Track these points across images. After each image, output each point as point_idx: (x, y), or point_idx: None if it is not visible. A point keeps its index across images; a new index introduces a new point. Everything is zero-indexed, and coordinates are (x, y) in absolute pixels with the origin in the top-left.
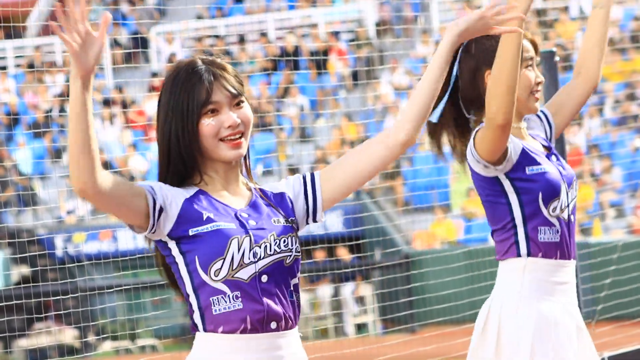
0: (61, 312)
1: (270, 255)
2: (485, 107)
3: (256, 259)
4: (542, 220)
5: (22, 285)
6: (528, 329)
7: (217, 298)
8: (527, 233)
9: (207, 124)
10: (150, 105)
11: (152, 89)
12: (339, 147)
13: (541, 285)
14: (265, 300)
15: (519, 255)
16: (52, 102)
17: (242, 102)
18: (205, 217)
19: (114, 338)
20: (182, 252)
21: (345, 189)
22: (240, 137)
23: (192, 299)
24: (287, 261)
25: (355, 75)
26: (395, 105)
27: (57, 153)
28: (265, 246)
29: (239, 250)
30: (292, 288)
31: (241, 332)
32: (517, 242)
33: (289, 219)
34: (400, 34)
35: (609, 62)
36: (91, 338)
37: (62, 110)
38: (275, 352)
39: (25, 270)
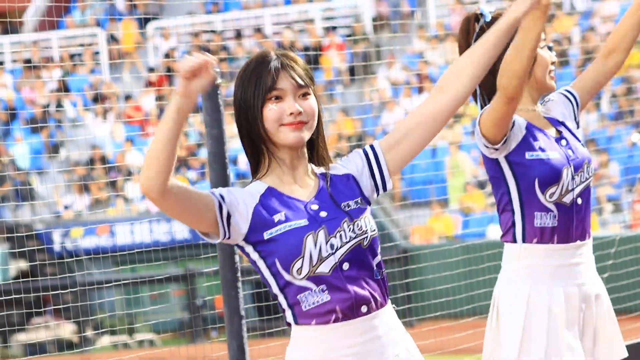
0: (59, 306)
1: (347, 242)
2: (497, 78)
3: (334, 250)
4: (538, 205)
5: (20, 280)
6: (520, 315)
7: (304, 295)
8: (523, 217)
9: (270, 109)
10: (146, 100)
11: (148, 84)
12: (335, 142)
13: (536, 270)
14: (351, 287)
15: (514, 240)
16: (50, 97)
17: (309, 94)
18: (277, 220)
19: (112, 333)
20: (261, 257)
21: (411, 150)
22: (302, 124)
23: (281, 299)
24: (365, 243)
25: (352, 71)
26: (392, 101)
27: (55, 148)
28: (340, 234)
29: (315, 245)
30: (375, 267)
31: (334, 322)
32: (514, 225)
33: (358, 200)
34: (397, 29)
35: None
36: (89, 332)
37: (59, 105)
38: (371, 334)
39: (23, 265)
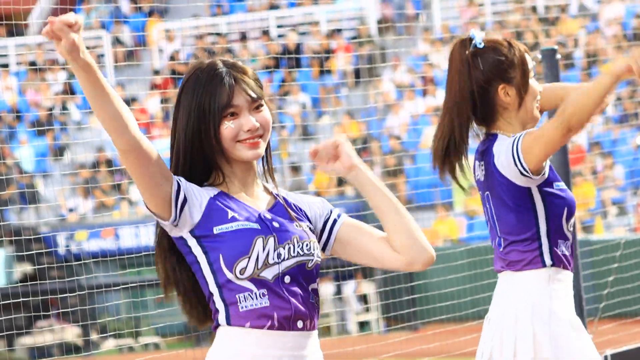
0: (64, 310)
1: (294, 257)
2: (562, 109)
3: (280, 260)
4: (562, 234)
5: (25, 283)
6: (566, 331)
7: (244, 295)
8: (550, 246)
9: (227, 127)
10: (151, 103)
11: (153, 86)
12: None
13: (564, 293)
14: (291, 299)
15: (543, 265)
16: (54, 99)
17: (262, 105)
18: (230, 216)
19: (117, 336)
20: (204, 251)
21: (348, 257)
22: (258, 139)
23: (216, 297)
24: (309, 265)
25: (357, 73)
26: (397, 104)
27: (60, 151)
28: (289, 248)
29: (263, 249)
30: (311, 291)
31: (268, 328)
32: (541, 254)
33: (310, 226)
34: (402, 31)
35: (612, 59)
36: (94, 336)
37: (64, 108)
38: (299, 351)
39: (28, 268)
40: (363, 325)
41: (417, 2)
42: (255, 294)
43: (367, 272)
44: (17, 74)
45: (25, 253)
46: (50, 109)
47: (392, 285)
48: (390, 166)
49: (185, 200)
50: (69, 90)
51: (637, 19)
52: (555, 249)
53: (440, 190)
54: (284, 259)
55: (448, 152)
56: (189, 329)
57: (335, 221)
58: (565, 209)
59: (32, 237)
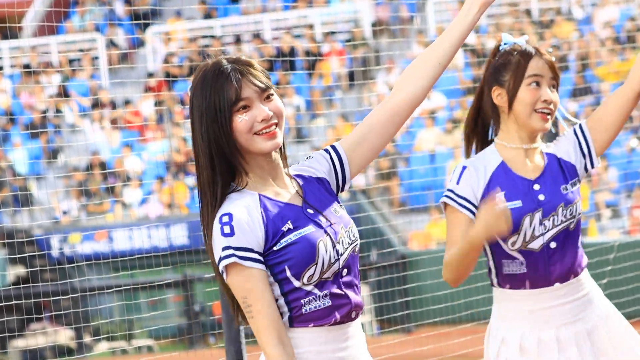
0: (57, 312)
1: (347, 248)
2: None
3: (339, 256)
4: (503, 254)
5: (18, 286)
6: (492, 355)
7: (308, 299)
8: (495, 264)
9: (241, 120)
10: (145, 106)
11: (147, 89)
12: None
13: (512, 314)
14: (348, 293)
15: (492, 284)
16: (48, 102)
17: (272, 94)
18: (286, 228)
19: (110, 339)
20: (268, 266)
21: (370, 154)
22: (274, 128)
23: (280, 303)
24: (356, 250)
25: (351, 76)
26: None
27: (53, 153)
28: (342, 241)
29: (326, 252)
30: (359, 273)
31: (330, 325)
32: (490, 270)
33: (341, 204)
34: (397, 34)
35: (606, 62)
36: (87, 339)
37: (58, 110)
38: (355, 340)
39: (21, 270)
40: None
41: (412, 4)
42: (319, 296)
43: (361, 275)
44: (11, 76)
45: (18, 256)
46: (44, 112)
47: (385, 287)
48: (384, 169)
49: (260, 261)
50: (63, 93)
51: (631, 21)
52: (500, 269)
53: (434, 192)
54: (341, 254)
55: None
56: (182, 332)
57: (336, 150)
58: None
59: (25, 239)
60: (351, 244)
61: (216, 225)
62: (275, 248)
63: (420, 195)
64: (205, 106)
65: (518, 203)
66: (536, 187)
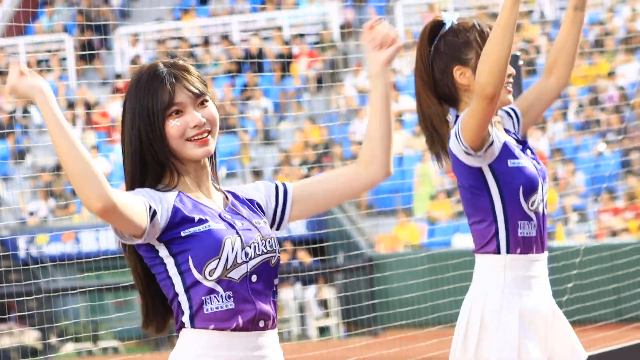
0: (23, 313)
1: (259, 255)
2: (475, 80)
3: (248, 259)
4: (522, 214)
5: None
6: (513, 326)
7: (210, 297)
8: (507, 227)
9: (173, 126)
10: (113, 107)
11: (115, 90)
12: (302, 150)
13: (522, 281)
14: (256, 300)
15: (498, 251)
16: (16, 103)
17: (207, 101)
18: (197, 218)
19: (76, 340)
20: (172, 254)
21: (312, 210)
22: (207, 135)
23: (182, 299)
24: (272, 262)
25: (319, 78)
26: (359, 109)
27: (21, 154)
28: (255, 246)
29: (232, 249)
30: (274, 289)
31: (232, 330)
32: (497, 236)
33: (266, 221)
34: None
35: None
36: (53, 340)
37: (25, 111)
38: (261, 351)
39: None
40: (323, 331)
41: (380, 7)
42: (222, 295)
43: (327, 277)
44: None
45: None
46: (12, 112)
47: (352, 290)
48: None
49: (154, 213)
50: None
51: (599, 25)
52: (515, 231)
53: (401, 195)
54: (251, 258)
55: (433, 140)
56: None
57: (285, 188)
58: (521, 186)
59: None
60: (266, 253)
61: None
62: (182, 234)
63: (388, 198)
64: (139, 108)
65: (530, 163)
66: (529, 152)
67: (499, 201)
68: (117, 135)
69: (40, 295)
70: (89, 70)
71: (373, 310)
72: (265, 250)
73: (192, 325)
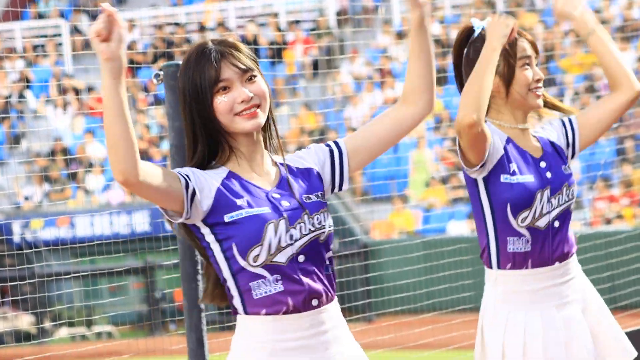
0: (18, 297)
1: (306, 235)
2: (456, 119)
3: (293, 241)
4: (510, 230)
5: None
6: (498, 341)
7: (258, 283)
8: (497, 242)
9: (220, 102)
10: None
11: None
12: (298, 136)
13: (513, 295)
14: (305, 279)
15: (490, 266)
16: (11, 88)
17: (255, 76)
18: (239, 203)
19: (70, 324)
20: (217, 240)
21: (367, 160)
22: (255, 109)
23: (231, 284)
24: (322, 238)
25: (315, 65)
26: (355, 96)
27: (16, 139)
28: (301, 226)
29: (275, 234)
30: (327, 262)
31: (284, 313)
32: (489, 250)
33: (319, 194)
34: (361, 23)
35: (570, 54)
36: (47, 324)
37: (21, 96)
38: (317, 328)
39: None
40: None
41: None
42: (269, 280)
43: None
44: None
45: None
46: (7, 97)
47: (347, 276)
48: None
49: (194, 193)
50: (26, 78)
51: (595, 13)
52: (505, 247)
53: (397, 182)
54: (296, 240)
55: None
56: (143, 318)
57: (339, 148)
58: (508, 203)
59: None
60: (314, 231)
61: None
62: (225, 220)
63: (383, 184)
64: (188, 86)
65: (531, 177)
66: (542, 164)
67: (489, 215)
68: None
69: (34, 280)
70: (85, 55)
71: (368, 296)
72: (312, 229)
73: (245, 312)
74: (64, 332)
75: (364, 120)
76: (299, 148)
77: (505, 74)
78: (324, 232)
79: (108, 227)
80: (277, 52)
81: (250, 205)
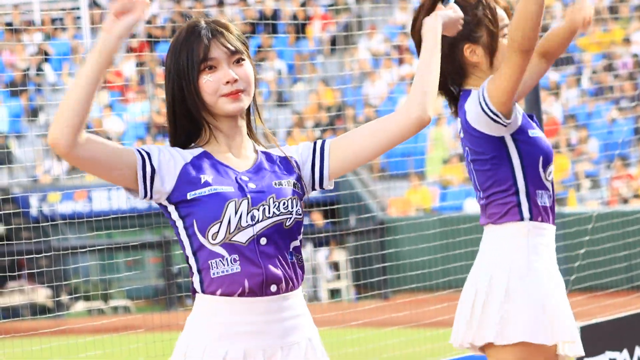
0: (34, 271)
1: (269, 217)
2: (509, 40)
3: (254, 222)
4: (540, 184)
5: None
6: (538, 287)
7: (216, 261)
8: (529, 196)
9: (206, 81)
10: (127, 67)
11: (129, 50)
12: (315, 112)
13: (542, 248)
14: (264, 263)
15: (521, 219)
16: (30, 60)
17: (243, 60)
18: (203, 181)
19: (87, 298)
20: (181, 216)
21: (353, 163)
22: (240, 93)
23: (192, 262)
24: (287, 224)
25: (333, 41)
26: (372, 72)
27: (34, 112)
28: (264, 209)
29: (236, 213)
30: (292, 250)
31: (239, 295)
32: (519, 206)
33: (292, 181)
34: (379, 0)
35: (588, 32)
36: (64, 298)
37: (39, 69)
38: (274, 315)
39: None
40: (334, 293)
41: None
42: (227, 259)
43: (339, 240)
44: None
45: None
46: (26, 70)
47: (363, 253)
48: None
49: (153, 172)
50: (45, 51)
51: None
52: (535, 200)
53: (414, 159)
54: (258, 221)
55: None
56: (159, 293)
57: (322, 143)
58: (541, 157)
59: (4, 197)
60: (278, 215)
61: None
62: (188, 197)
63: (400, 161)
64: (174, 63)
65: (542, 133)
66: (534, 125)
67: (520, 171)
68: (130, 95)
69: (51, 253)
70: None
71: (384, 273)
72: (277, 212)
73: (202, 290)
74: (80, 306)
75: (382, 97)
76: (317, 124)
77: (489, 44)
78: (289, 218)
79: (125, 201)
80: (296, 28)
81: (214, 183)
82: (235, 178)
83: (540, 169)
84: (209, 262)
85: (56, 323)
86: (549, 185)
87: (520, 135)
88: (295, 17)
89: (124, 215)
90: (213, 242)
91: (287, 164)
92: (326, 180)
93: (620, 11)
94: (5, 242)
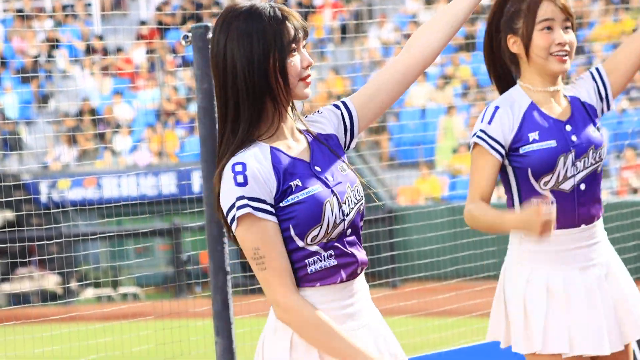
0: (44, 257)
1: (353, 208)
2: (472, 203)
3: (345, 217)
4: (534, 192)
5: (6, 230)
6: (520, 298)
7: (313, 259)
8: (522, 201)
9: (293, 64)
10: (137, 54)
11: (139, 37)
12: (325, 100)
13: (536, 255)
14: (353, 251)
15: None
16: (40, 47)
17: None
18: (294, 186)
19: (96, 285)
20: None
21: (378, 112)
22: (310, 78)
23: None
24: (362, 209)
25: (343, 29)
26: (382, 61)
27: (44, 99)
28: (348, 201)
29: (332, 213)
30: (361, 229)
31: (337, 283)
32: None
33: (346, 161)
34: None
35: (599, 22)
36: (73, 284)
37: (49, 56)
38: (361, 293)
39: (9, 215)
40: None
41: None
42: (323, 255)
43: None
44: (3, 21)
45: (6, 199)
46: (36, 57)
47: (371, 241)
48: (374, 123)
49: (273, 212)
50: (55, 38)
51: None
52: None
53: (423, 148)
54: (347, 215)
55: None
56: (169, 280)
57: (348, 108)
58: (529, 169)
59: (14, 183)
60: (357, 204)
61: (228, 174)
62: (282, 204)
63: (410, 150)
64: (246, 49)
65: (553, 143)
66: (568, 128)
67: (513, 179)
68: (140, 82)
69: (61, 240)
70: (113, 16)
71: (392, 262)
72: (356, 201)
73: (298, 285)
74: (90, 292)
75: None
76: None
77: (524, 35)
78: (362, 203)
79: (135, 188)
80: (305, 16)
81: (304, 185)
82: (312, 171)
83: (532, 180)
84: (306, 261)
85: (65, 310)
86: (547, 193)
87: (511, 152)
88: (304, 5)
89: (133, 202)
90: (311, 243)
91: (331, 142)
92: (354, 141)
93: (631, 1)
94: (15, 229)
